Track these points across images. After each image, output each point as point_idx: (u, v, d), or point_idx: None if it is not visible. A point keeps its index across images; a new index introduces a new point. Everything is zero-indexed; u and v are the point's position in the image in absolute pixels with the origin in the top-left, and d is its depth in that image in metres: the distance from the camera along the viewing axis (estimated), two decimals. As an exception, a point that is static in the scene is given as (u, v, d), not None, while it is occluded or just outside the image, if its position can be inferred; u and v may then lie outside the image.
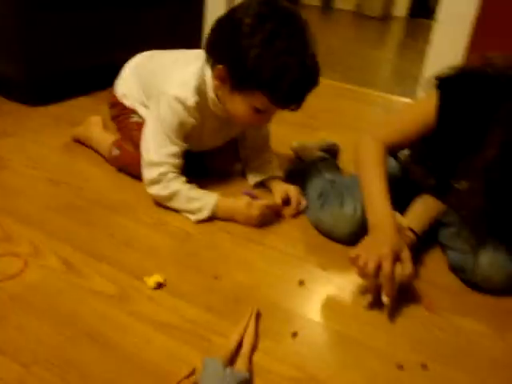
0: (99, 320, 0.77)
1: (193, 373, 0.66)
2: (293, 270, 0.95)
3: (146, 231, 1.01)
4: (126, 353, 0.71)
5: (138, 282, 0.85)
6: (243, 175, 1.30)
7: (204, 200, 1.08)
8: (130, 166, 1.20)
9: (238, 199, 1.09)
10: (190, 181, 1.10)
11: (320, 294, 0.90)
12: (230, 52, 0.98)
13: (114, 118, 1.32)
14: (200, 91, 1.07)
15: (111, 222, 1.03)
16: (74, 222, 1.01)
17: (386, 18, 5.71)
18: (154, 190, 1.09)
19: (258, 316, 0.80)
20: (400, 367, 0.74)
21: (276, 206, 1.14)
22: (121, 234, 0.99)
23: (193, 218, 1.07)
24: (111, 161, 1.26)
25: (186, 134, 1.11)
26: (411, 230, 1.01)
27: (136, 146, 1.15)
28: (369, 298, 0.87)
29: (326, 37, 3.97)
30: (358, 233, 0.99)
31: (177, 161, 1.10)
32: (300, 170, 1.29)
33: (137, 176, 1.16)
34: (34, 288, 0.82)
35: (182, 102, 1.06)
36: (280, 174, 1.25)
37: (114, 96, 1.30)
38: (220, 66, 1.00)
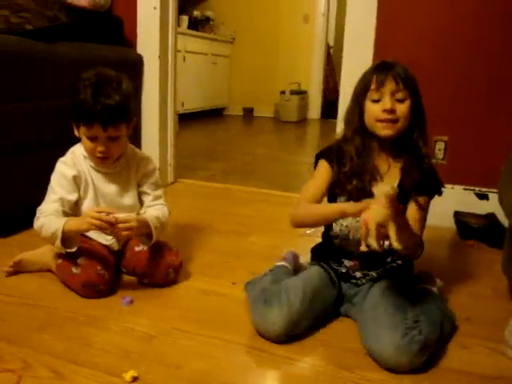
0: (90, 412, 0.97)
1: None
2: (238, 354, 1.20)
3: (117, 338, 1.23)
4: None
5: (117, 379, 1.06)
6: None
7: (58, 224, 1.38)
8: (67, 278, 1.46)
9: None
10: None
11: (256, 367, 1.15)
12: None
13: None
14: (74, 151, 1.51)
15: (86, 334, 1.24)
16: (55, 337, 1.22)
17: (301, 121, 6.37)
18: (35, 225, 1.43)
19: (216, 392, 1.03)
20: None
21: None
22: (96, 342, 1.21)
23: (56, 244, 1.39)
24: (57, 270, 1.50)
25: (71, 185, 1.47)
26: None
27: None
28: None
29: (250, 145, 4.43)
30: (288, 333, 1.21)
31: (55, 205, 1.44)
32: None
33: (71, 287, 1.45)
34: (31, 395, 1.02)
35: (60, 160, 1.50)
36: (145, 216, 1.47)
37: None
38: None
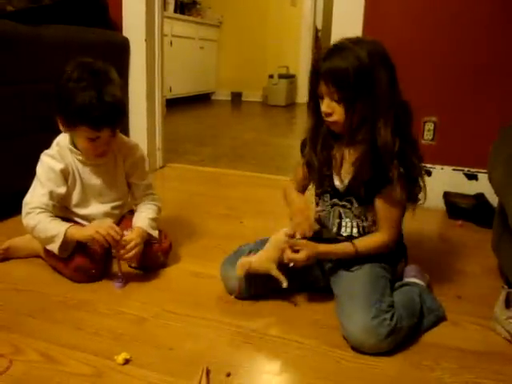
0: (83, 395, 0.97)
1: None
2: (229, 335, 1.20)
3: (108, 321, 1.23)
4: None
5: (109, 361, 1.06)
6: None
7: (58, 229, 1.35)
8: (58, 263, 1.43)
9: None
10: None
11: (245, 347, 1.15)
12: (56, 103, 1.35)
13: None
14: (59, 143, 1.45)
15: (77, 318, 1.23)
16: (45, 322, 1.21)
17: (290, 105, 6.35)
18: (25, 221, 1.38)
19: (208, 372, 1.03)
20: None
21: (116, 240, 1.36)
22: (87, 326, 1.20)
23: (49, 247, 1.36)
24: (46, 256, 1.46)
25: (60, 178, 1.42)
26: None
27: None
28: None
29: (239, 130, 4.41)
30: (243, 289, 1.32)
31: (45, 199, 1.39)
32: None
33: (62, 272, 1.43)
34: (22, 379, 1.00)
35: (46, 153, 1.44)
36: (141, 224, 1.47)
37: None
38: (58, 116, 1.36)
